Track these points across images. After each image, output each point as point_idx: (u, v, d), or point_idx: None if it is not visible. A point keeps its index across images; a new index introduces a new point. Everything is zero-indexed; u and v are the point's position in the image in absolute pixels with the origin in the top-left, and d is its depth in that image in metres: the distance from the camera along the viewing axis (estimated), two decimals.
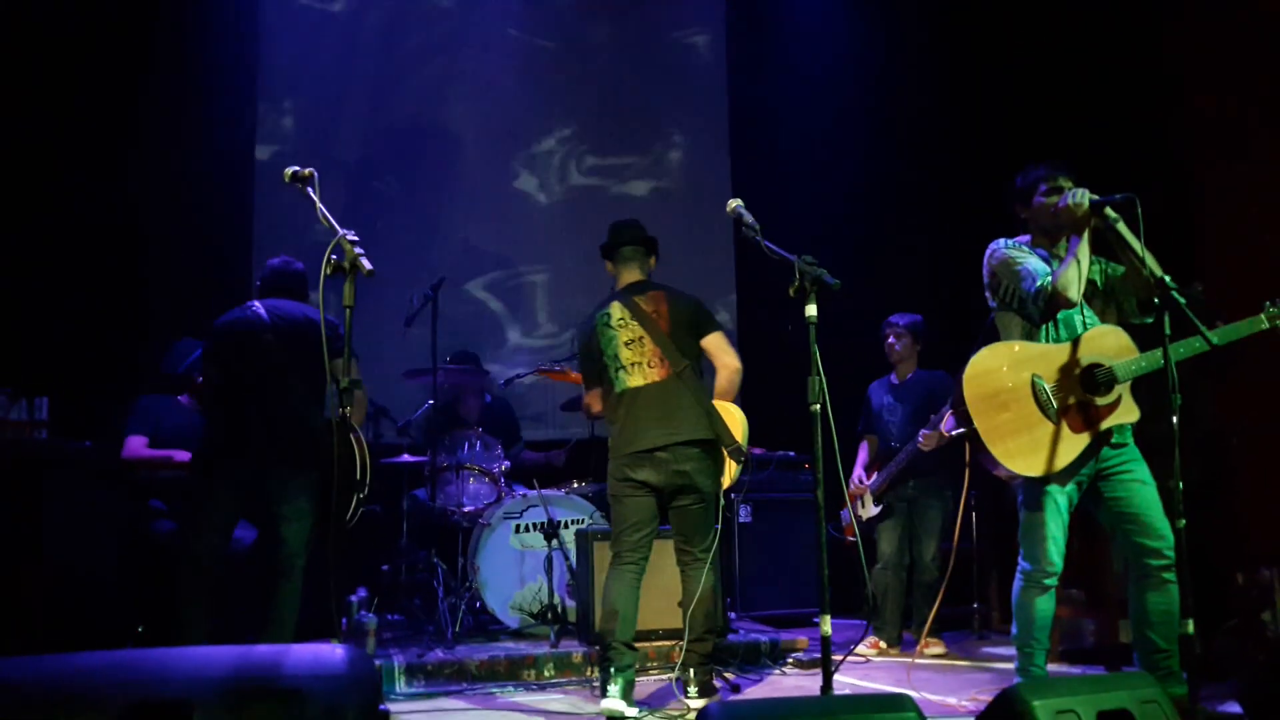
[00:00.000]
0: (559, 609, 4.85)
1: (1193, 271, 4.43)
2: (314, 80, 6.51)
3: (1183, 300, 2.91)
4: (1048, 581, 3.29)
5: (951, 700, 3.81)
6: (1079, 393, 3.23)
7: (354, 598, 4.74)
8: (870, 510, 5.08)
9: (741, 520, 5.59)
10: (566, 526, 4.99)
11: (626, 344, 3.84)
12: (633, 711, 3.60)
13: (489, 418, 5.75)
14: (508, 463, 5.33)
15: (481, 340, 6.46)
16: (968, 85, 6.52)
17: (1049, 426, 3.22)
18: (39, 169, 5.44)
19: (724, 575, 5.02)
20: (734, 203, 3.30)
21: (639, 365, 3.82)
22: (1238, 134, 4.80)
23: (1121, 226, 3.11)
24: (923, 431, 4.79)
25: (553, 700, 4.05)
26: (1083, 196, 3.19)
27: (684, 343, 3.83)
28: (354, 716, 2.08)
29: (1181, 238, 4.88)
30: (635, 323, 3.84)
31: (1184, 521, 2.84)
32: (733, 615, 5.32)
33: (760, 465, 5.65)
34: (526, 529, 5.03)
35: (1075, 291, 3.22)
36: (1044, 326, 3.35)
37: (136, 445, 4.53)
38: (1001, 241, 3.46)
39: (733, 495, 5.02)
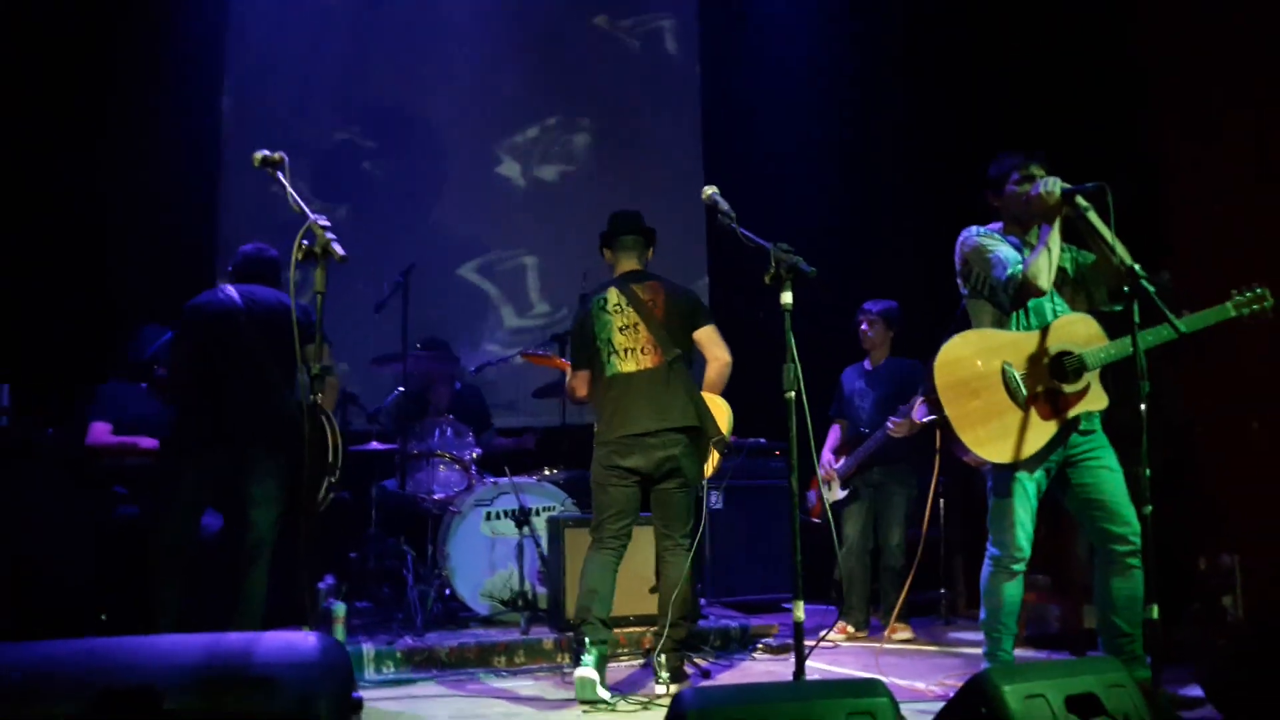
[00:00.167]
0: (529, 596, 4.84)
1: (1161, 257, 4.48)
2: (285, 62, 6.41)
3: (1152, 289, 2.95)
4: (1016, 567, 3.33)
5: (920, 685, 3.84)
6: (1048, 380, 3.26)
7: (322, 585, 4.70)
8: (836, 494, 5.11)
9: (712, 506, 5.61)
10: (538, 514, 4.98)
11: (621, 329, 3.90)
12: (605, 694, 3.61)
13: (459, 405, 5.72)
14: (479, 450, 5.31)
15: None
16: (940, 72, 6.54)
17: (1018, 414, 3.25)
18: None
19: (695, 561, 5.03)
20: (709, 190, 3.30)
21: (632, 351, 3.87)
22: (1206, 118, 4.84)
23: (1092, 215, 3.14)
24: (892, 419, 4.82)
25: (523, 686, 4.05)
26: (1054, 185, 3.22)
27: (677, 333, 3.91)
28: (327, 704, 2.06)
29: (1151, 223, 4.93)
30: (631, 309, 3.91)
31: (1150, 508, 2.88)
32: (703, 601, 5.34)
33: (731, 452, 5.66)
34: (497, 516, 5.01)
35: (1046, 280, 3.25)
36: (1015, 314, 3.37)
37: (101, 432, 4.46)
38: (974, 229, 3.48)
39: (708, 483, 5.05)
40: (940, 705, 2.56)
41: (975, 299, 3.47)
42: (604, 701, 3.59)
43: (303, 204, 2.67)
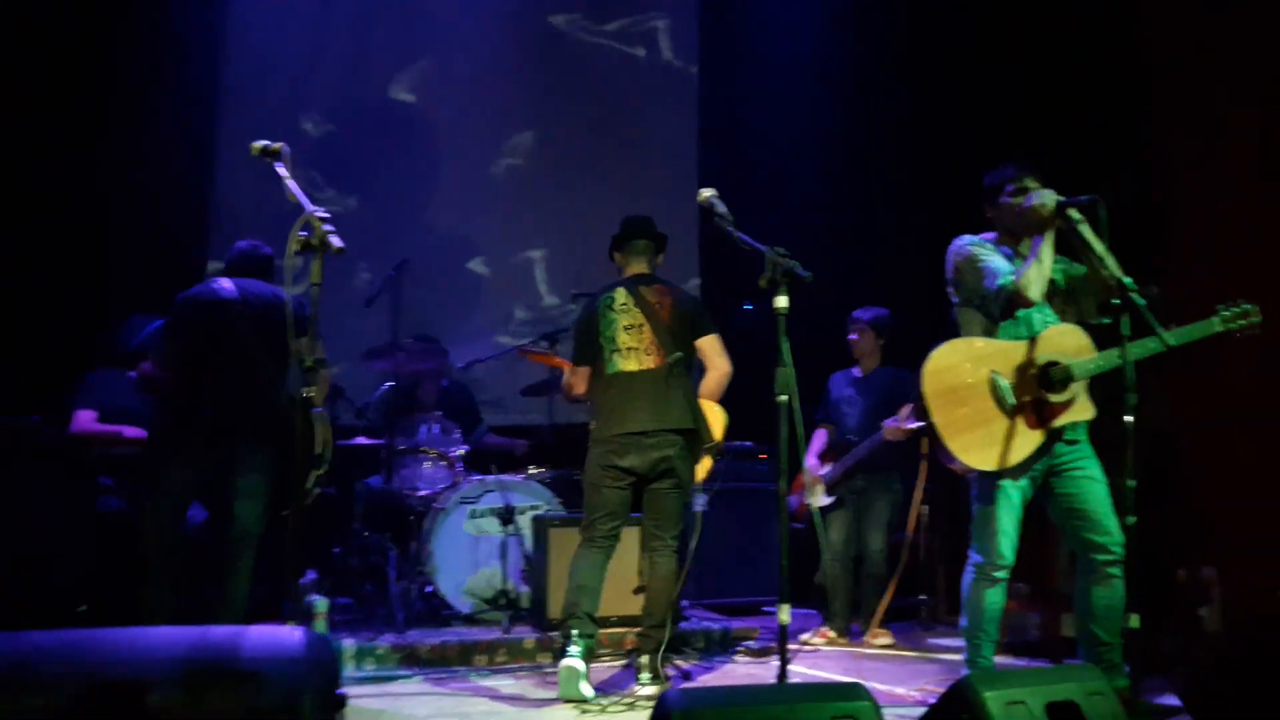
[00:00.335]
0: (512, 595, 4.84)
1: (1162, 257, 4.50)
2: (282, 55, 6.38)
3: (1142, 302, 2.97)
4: (998, 574, 3.35)
5: (900, 690, 3.86)
6: (1035, 390, 3.29)
7: (303, 580, 4.68)
8: (822, 499, 5.11)
9: (697, 509, 5.61)
10: (523, 513, 4.98)
11: (626, 329, 3.94)
12: (589, 689, 3.62)
13: (447, 401, 5.72)
14: (466, 447, 5.30)
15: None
16: (942, 71, 6.54)
17: (1005, 422, 3.27)
18: None
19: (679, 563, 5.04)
20: (707, 192, 3.31)
21: (635, 351, 3.92)
22: (1210, 116, 4.84)
23: (1084, 228, 3.16)
24: (887, 423, 4.83)
25: (504, 685, 4.05)
26: (1048, 198, 3.24)
27: (680, 338, 3.96)
28: (312, 700, 2.05)
29: (1154, 222, 4.93)
30: (638, 310, 3.96)
31: (1134, 519, 2.90)
32: (685, 603, 5.35)
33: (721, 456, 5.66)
34: (482, 514, 5.00)
35: (1036, 291, 3.28)
36: (1003, 324, 3.40)
37: (86, 420, 4.42)
38: (966, 238, 3.51)
39: (701, 485, 5.06)
40: (920, 710, 2.59)
41: (965, 308, 3.49)
42: (587, 699, 3.59)
43: (301, 196, 2.66)
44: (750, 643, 4.84)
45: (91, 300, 5.48)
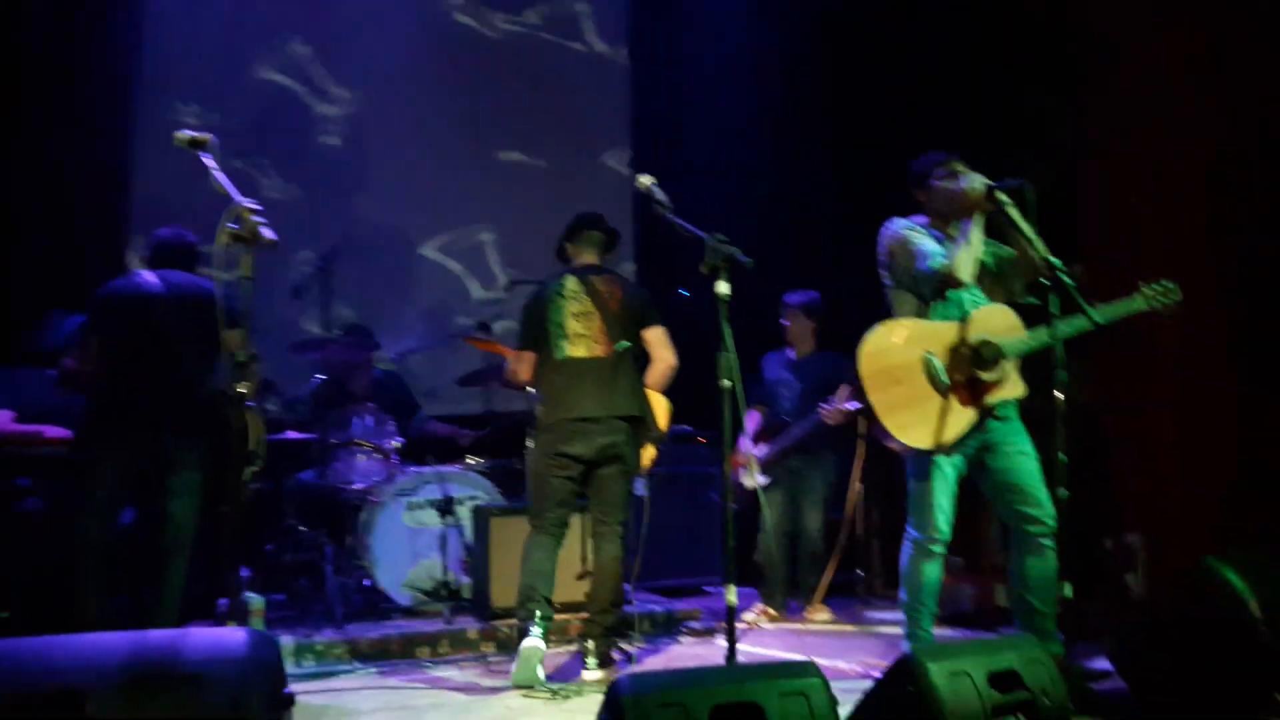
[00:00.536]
0: (453, 586, 4.80)
1: (1074, 245, 4.60)
2: (203, 38, 6.17)
3: (1070, 282, 3.06)
4: (935, 549, 3.43)
5: (842, 664, 3.94)
6: (968, 369, 3.37)
7: (231, 578, 4.58)
8: (757, 480, 5.17)
9: (637, 493, 5.63)
10: (462, 503, 4.93)
11: (575, 316, 3.95)
12: (542, 673, 3.63)
13: (380, 392, 5.62)
14: (401, 439, 5.22)
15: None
16: (868, 59, 6.61)
17: (939, 401, 3.34)
18: None
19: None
20: (645, 179, 3.32)
21: (584, 338, 3.92)
22: (1127, 108, 4.96)
23: (1012, 211, 3.24)
24: (825, 406, 4.89)
25: (449, 675, 4.02)
26: (977, 181, 3.32)
27: (628, 328, 3.98)
28: (258, 701, 2.02)
29: (1066, 210, 5.05)
30: (588, 298, 3.97)
31: (1065, 492, 3.00)
32: (627, 586, 5.36)
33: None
34: (420, 506, 4.94)
35: (967, 272, 3.36)
36: (935, 305, 3.47)
37: (2, 420, 4.24)
38: (898, 221, 3.57)
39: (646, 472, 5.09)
40: (863, 684, 2.63)
41: (898, 289, 3.56)
42: (541, 683, 3.61)
43: (230, 187, 2.59)
44: (694, 623, 4.88)
45: (2, 297, 5.26)
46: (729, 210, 6.02)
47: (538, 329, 4.00)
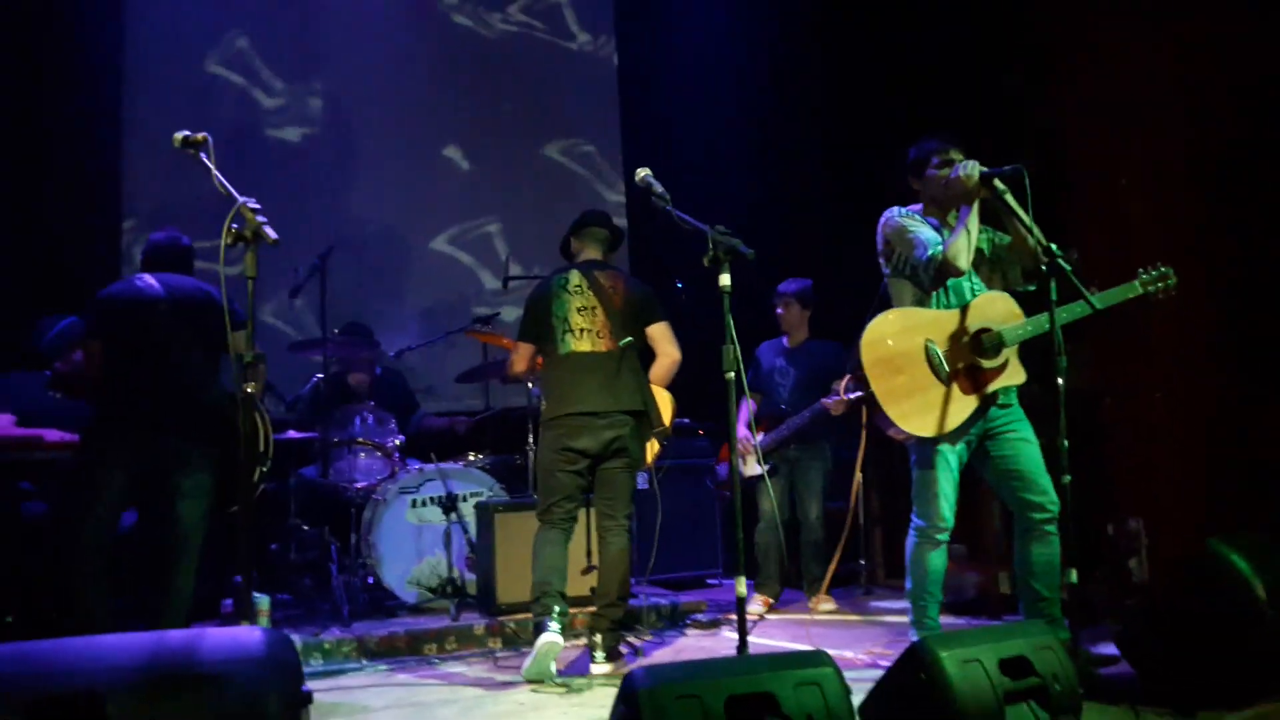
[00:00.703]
0: (459, 582, 4.81)
1: (1062, 234, 4.62)
2: (192, 31, 6.15)
3: (1068, 267, 3.07)
4: (940, 537, 3.45)
5: (849, 654, 3.95)
6: (969, 356, 3.38)
7: (240, 578, 4.57)
8: (755, 468, 5.18)
9: (640, 487, 5.64)
10: (465, 500, 4.95)
11: (579, 310, 3.96)
12: (555, 669, 3.65)
13: (380, 391, 5.63)
14: (401, 437, 5.23)
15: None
16: (859, 55, 6.63)
17: (941, 389, 3.36)
18: None
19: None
20: (642, 172, 3.32)
21: (588, 332, 3.93)
22: (1109, 98, 4.97)
23: (1009, 197, 3.26)
24: (828, 399, 4.91)
25: (457, 672, 4.03)
26: (973, 169, 3.33)
27: (631, 323, 3.99)
28: (276, 701, 2.02)
29: (1051, 201, 5.06)
30: (591, 293, 3.98)
31: (1069, 478, 3.02)
32: (632, 580, 5.37)
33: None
34: (423, 503, 4.96)
35: (965, 260, 3.37)
36: (934, 293, 3.49)
37: (3, 424, 4.24)
38: (895, 210, 3.58)
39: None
40: (872, 673, 2.66)
41: (897, 278, 3.57)
42: (554, 679, 3.62)
43: (229, 186, 2.58)
44: (700, 615, 4.89)
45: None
46: (719, 201, 6.02)
47: (541, 322, 4.01)
